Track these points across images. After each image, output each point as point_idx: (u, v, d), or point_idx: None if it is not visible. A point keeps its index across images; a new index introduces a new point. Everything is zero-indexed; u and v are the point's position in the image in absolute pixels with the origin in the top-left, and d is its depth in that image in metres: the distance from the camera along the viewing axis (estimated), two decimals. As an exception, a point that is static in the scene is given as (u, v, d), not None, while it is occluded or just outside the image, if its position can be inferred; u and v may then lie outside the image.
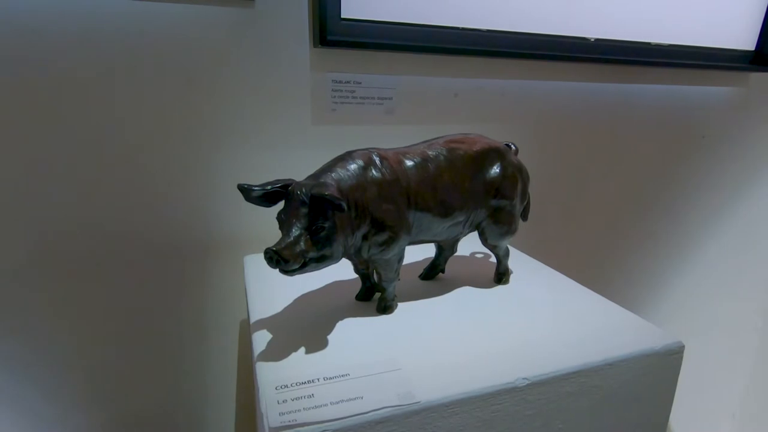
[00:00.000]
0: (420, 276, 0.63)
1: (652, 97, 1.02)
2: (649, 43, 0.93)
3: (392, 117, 0.80)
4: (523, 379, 0.42)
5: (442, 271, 0.63)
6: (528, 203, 0.60)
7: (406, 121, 0.80)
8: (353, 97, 0.76)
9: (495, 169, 0.54)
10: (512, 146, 0.61)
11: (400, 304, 0.56)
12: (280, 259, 0.39)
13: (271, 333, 0.49)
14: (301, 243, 0.40)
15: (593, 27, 0.87)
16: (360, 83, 0.76)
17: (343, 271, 0.59)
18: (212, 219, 0.73)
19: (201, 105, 0.69)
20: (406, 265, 0.66)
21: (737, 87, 1.09)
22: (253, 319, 0.52)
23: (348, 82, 0.75)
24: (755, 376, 1.36)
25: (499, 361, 0.44)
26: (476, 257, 0.72)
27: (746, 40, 1.03)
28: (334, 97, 0.75)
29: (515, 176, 0.55)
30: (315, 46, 0.71)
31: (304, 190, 0.41)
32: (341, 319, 0.52)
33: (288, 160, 0.75)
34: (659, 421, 0.50)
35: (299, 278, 0.60)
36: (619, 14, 0.88)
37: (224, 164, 0.72)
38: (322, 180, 0.44)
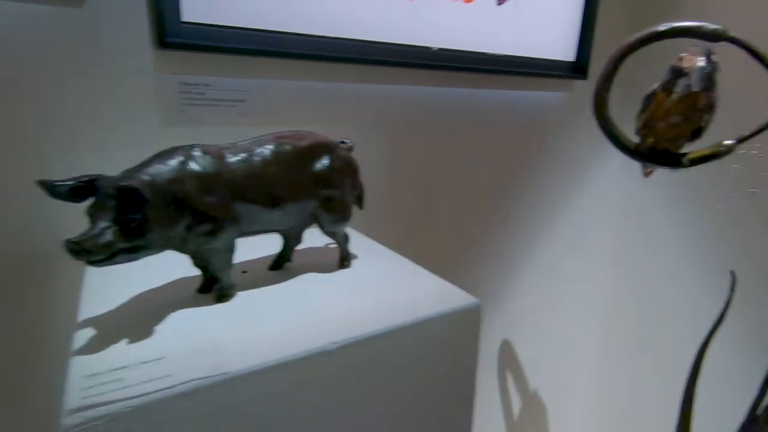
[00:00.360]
0: (269, 267, 0.67)
1: (498, 100, 1.16)
2: (485, 53, 1.06)
3: (246, 119, 0.82)
4: (334, 343, 0.47)
5: (289, 260, 0.67)
6: (361, 193, 0.67)
7: (260, 123, 0.84)
8: (204, 99, 0.78)
9: (323, 162, 0.60)
10: (346, 142, 0.67)
11: (241, 293, 0.59)
12: (81, 250, 0.40)
13: (97, 330, 0.49)
14: (107, 234, 0.42)
15: (436, 37, 0.98)
16: (209, 85, 0.78)
17: (189, 266, 0.61)
18: (52, 228, 0.70)
19: (35, 108, 0.66)
20: (259, 257, 0.69)
21: (565, 92, 1.28)
22: (80, 318, 0.52)
23: (197, 84, 0.77)
24: (606, 344, 1.58)
25: (314, 329, 0.49)
26: (330, 247, 0.77)
27: (567, 53, 1.22)
28: (183, 98, 0.76)
29: (343, 168, 0.61)
30: (156, 48, 0.71)
31: (109, 183, 0.43)
32: (175, 311, 0.53)
33: (137, 161, 0.74)
34: (468, 373, 0.59)
35: (139, 277, 0.60)
36: (459, 28, 1.00)
37: (67, 169, 0.69)
38: (134, 174, 0.46)
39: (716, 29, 0.75)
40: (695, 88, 0.66)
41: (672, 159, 0.82)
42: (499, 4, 1.04)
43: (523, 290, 1.36)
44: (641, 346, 1.46)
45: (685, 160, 0.81)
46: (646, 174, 0.90)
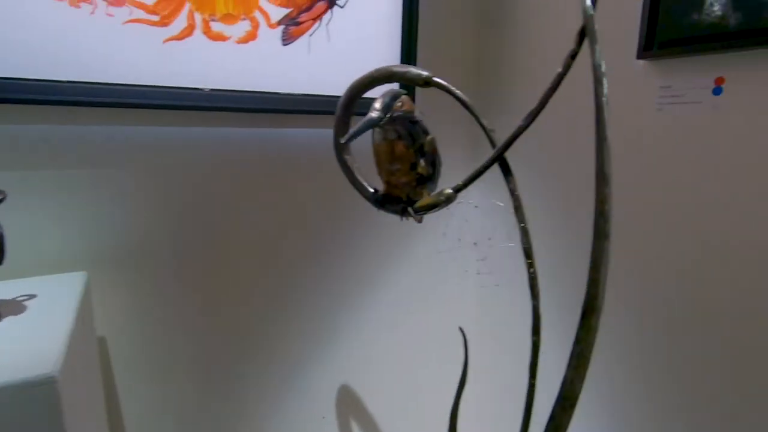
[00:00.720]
0: None
1: (308, 140, 1.13)
2: (277, 93, 1.04)
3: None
4: None
5: None
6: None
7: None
8: None
9: None
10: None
11: None
12: None
13: None
14: None
15: (209, 79, 0.96)
16: None
17: None
18: None
19: None
20: None
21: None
22: None
23: None
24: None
25: None
26: (15, 300, 0.73)
27: (387, 91, 1.19)
28: None
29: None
30: None
31: None
32: None
33: None
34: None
35: None
36: (236, 68, 0.98)
37: None
38: None
39: (419, 75, 0.72)
40: (343, 140, 0.62)
41: (404, 207, 0.77)
42: (285, 44, 1.02)
43: (374, 329, 1.29)
44: (501, 390, 1.37)
45: (411, 208, 0.76)
46: (417, 221, 0.85)
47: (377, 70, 0.74)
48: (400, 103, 0.66)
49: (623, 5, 0.94)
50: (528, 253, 0.69)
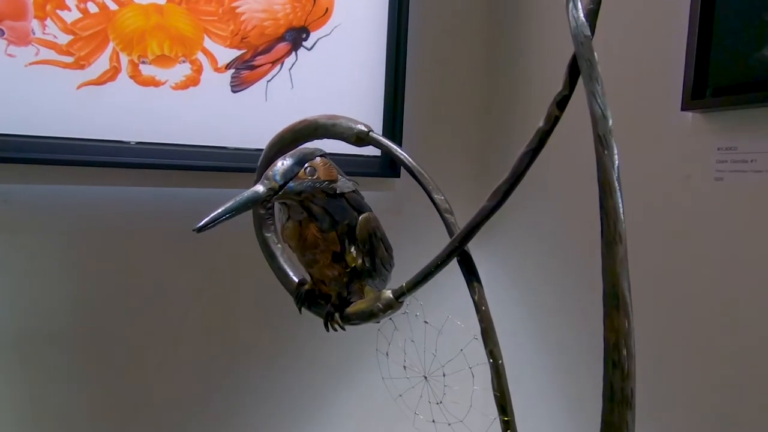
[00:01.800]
0: None
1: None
2: (225, 147, 0.86)
3: None
4: None
5: None
6: None
7: None
8: None
9: None
10: None
11: None
12: None
13: None
14: None
15: (136, 130, 0.80)
16: None
17: None
18: None
19: None
20: None
21: (382, 192, 1.03)
22: None
23: None
24: None
25: None
26: None
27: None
28: None
29: None
30: None
31: None
32: None
33: None
34: None
35: None
36: (175, 118, 0.82)
37: None
38: None
39: (351, 128, 0.51)
40: (195, 228, 0.41)
41: (330, 311, 0.54)
42: (236, 91, 0.85)
43: None
44: None
45: (338, 314, 0.53)
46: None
47: (302, 122, 0.55)
48: (309, 169, 0.45)
49: (657, 36, 0.71)
50: (503, 406, 0.43)
